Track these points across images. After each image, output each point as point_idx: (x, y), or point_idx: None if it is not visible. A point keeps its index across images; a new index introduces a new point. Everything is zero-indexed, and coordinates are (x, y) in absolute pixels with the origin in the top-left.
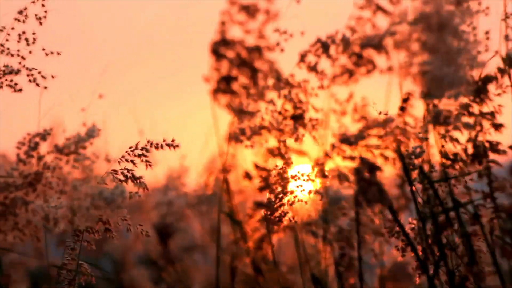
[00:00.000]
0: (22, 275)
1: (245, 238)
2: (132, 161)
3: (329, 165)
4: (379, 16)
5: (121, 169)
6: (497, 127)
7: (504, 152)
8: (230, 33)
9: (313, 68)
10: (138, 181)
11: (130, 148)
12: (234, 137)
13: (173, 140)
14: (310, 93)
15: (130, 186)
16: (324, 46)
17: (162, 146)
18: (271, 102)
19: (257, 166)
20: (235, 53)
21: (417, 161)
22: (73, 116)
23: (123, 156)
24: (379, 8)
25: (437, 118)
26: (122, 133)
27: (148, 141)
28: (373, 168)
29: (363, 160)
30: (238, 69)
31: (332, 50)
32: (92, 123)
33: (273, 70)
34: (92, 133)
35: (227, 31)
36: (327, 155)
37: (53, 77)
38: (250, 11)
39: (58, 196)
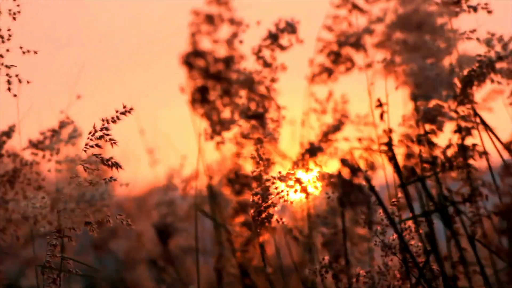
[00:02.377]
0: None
1: (230, 239)
2: (97, 145)
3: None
4: (356, 15)
5: (88, 157)
6: (469, 131)
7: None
8: (201, 44)
9: (266, 64)
10: (109, 162)
11: (89, 133)
12: (205, 134)
13: (124, 107)
14: (271, 89)
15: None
16: (273, 37)
17: (118, 118)
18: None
19: (235, 172)
20: (206, 64)
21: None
22: (55, 117)
23: (86, 144)
24: (355, 6)
25: (426, 116)
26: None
27: (103, 119)
28: (354, 170)
29: (344, 162)
30: (210, 80)
31: (284, 40)
32: (73, 125)
33: (245, 79)
34: (74, 134)
35: (198, 42)
36: (302, 158)
37: (28, 82)
38: (214, 21)
39: (42, 196)
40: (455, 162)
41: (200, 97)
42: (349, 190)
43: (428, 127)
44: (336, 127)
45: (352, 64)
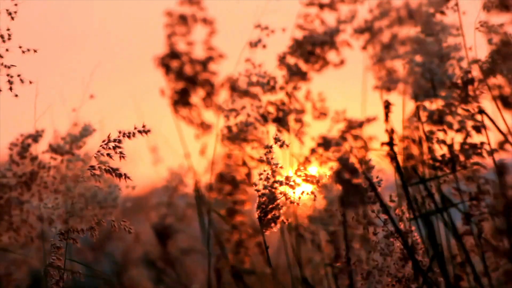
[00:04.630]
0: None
1: (222, 240)
2: (108, 155)
3: (311, 169)
4: (327, 13)
5: (98, 164)
6: (478, 129)
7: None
8: (178, 46)
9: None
10: (115, 173)
11: (103, 141)
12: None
13: (143, 126)
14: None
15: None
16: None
17: (134, 134)
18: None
19: (221, 177)
20: (183, 66)
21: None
22: (66, 116)
23: (98, 151)
24: (323, 5)
25: (431, 117)
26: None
27: (120, 132)
28: (353, 170)
29: (342, 162)
30: (188, 82)
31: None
32: (85, 123)
33: (224, 80)
34: (85, 132)
35: (175, 43)
36: (307, 159)
37: (31, 82)
38: (188, 21)
39: (55, 196)
40: (462, 161)
41: (180, 100)
42: (348, 189)
43: (433, 127)
44: (360, 124)
45: (325, 62)
